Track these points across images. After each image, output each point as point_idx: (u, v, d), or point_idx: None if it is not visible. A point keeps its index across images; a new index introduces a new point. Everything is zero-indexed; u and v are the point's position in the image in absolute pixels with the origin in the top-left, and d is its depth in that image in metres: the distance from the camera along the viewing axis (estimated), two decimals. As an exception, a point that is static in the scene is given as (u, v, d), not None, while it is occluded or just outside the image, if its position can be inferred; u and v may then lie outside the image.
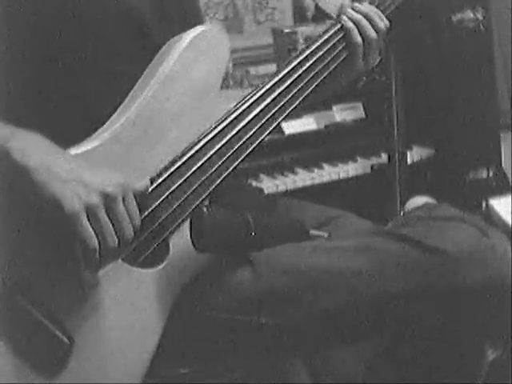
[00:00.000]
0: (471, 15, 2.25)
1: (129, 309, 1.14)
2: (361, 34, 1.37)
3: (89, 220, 1.03)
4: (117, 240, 1.06)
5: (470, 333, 1.23)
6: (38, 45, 1.21)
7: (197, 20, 1.39)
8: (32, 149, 1.04)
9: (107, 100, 1.21)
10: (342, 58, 1.37)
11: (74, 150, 1.13)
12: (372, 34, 1.38)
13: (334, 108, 2.29)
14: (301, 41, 2.24)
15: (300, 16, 2.45)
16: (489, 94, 2.32)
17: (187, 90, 1.23)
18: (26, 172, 1.02)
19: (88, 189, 1.03)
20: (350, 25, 1.37)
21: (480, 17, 2.25)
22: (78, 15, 1.23)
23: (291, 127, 2.18)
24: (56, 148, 1.08)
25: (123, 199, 1.07)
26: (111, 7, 1.26)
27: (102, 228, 1.04)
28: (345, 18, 1.38)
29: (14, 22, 1.19)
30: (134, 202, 1.09)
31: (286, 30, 2.27)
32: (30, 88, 1.21)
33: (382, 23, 1.39)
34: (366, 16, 1.38)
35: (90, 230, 1.03)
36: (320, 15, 2.35)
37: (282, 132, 2.16)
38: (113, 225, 1.05)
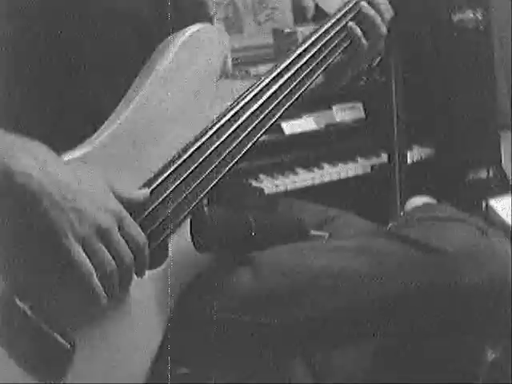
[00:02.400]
0: (471, 15, 2.25)
1: (130, 310, 1.14)
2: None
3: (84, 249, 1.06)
4: (114, 264, 1.07)
5: (470, 333, 1.23)
6: (37, 44, 1.21)
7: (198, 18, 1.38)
8: (33, 168, 1.04)
9: (107, 99, 1.21)
10: (345, 44, 1.40)
11: (73, 154, 1.12)
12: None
13: (334, 108, 2.29)
14: (301, 41, 2.23)
15: (300, 16, 2.45)
16: (489, 94, 2.32)
17: (184, 88, 1.22)
18: (27, 196, 1.03)
19: (83, 219, 1.05)
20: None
21: (480, 17, 2.25)
22: (76, 14, 1.23)
23: (291, 127, 2.17)
24: (56, 162, 1.07)
25: (119, 226, 1.08)
26: (110, 5, 1.26)
27: (95, 256, 1.05)
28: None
29: (14, 21, 1.19)
30: (134, 225, 1.10)
31: (286, 30, 2.26)
32: (28, 87, 1.21)
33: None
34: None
35: (83, 259, 1.05)
36: (320, 15, 2.35)
37: (282, 132, 2.16)
38: (110, 251, 1.07)
